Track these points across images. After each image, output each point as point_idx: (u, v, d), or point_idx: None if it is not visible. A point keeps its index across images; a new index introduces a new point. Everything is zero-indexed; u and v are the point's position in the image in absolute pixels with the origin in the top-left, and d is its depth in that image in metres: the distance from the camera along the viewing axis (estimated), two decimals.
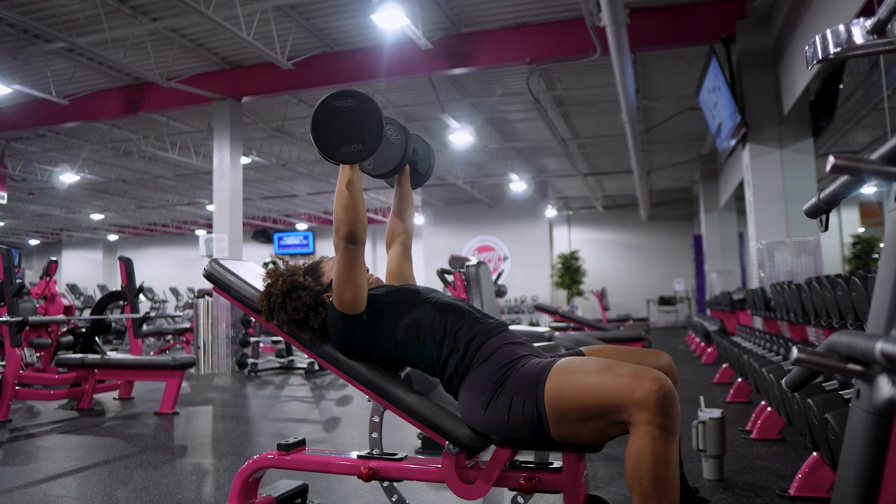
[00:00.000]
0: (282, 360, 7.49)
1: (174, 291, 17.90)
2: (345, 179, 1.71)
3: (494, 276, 11.42)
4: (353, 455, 1.88)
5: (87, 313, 10.65)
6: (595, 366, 1.49)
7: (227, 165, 8.50)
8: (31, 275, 22.65)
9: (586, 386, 1.45)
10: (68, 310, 6.12)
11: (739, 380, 4.58)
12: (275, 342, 8.25)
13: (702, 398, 2.91)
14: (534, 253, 16.96)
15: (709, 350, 7.53)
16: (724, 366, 5.69)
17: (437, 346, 1.71)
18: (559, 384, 1.50)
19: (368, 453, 1.88)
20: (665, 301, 17.41)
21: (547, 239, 17.29)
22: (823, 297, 2.95)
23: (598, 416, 1.44)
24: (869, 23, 1.00)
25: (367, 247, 21.91)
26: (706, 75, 6.97)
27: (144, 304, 16.81)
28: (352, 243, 1.70)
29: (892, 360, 0.83)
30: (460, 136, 9.97)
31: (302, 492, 2.20)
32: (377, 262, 18.71)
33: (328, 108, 1.67)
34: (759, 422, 3.41)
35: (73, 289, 16.28)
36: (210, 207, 15.81)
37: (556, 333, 5.53)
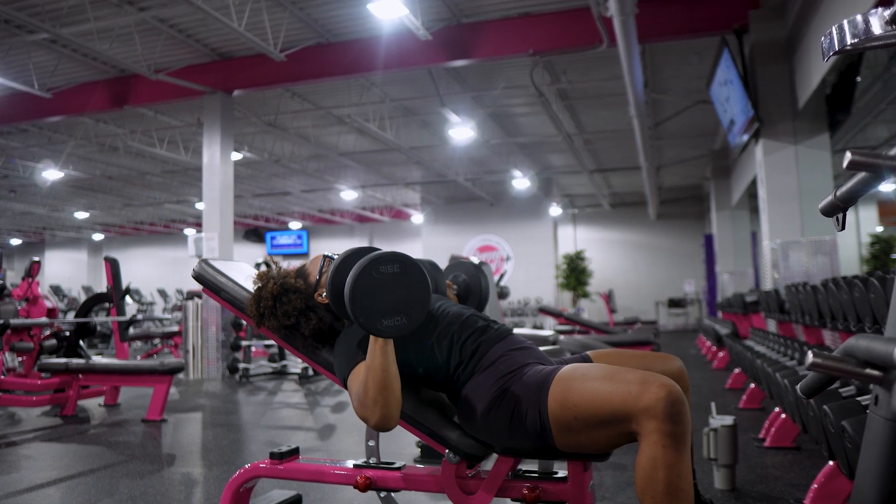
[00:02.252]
0: (274, 364, 7.49)
1: (162, 293, 17.91)
2: (381, 351, 1.56)
3: (497, 277, 11.42)
4: (350, 464, 1.89)
5: (71, 316, 10.65)
6: (600, 372, 1.49)
7: (218, 161, 8.50)
8: (12, 276, 22.66)
9: (592, 394, 1.45)
10: (51, 312, 6.13)
11: (752, 385, 4.58)
12: (267, 346, 8.25)
13: (713, 405, 2.91)
14: (538, 253, 16.97)
15: (720, 354, 7.53)
16: (737, 371, 5.69)
17: (439, 352, 1.72)
18: (563, 392, 1.50)
19: (365, 462, 1.88)
20: (675, 303, 17.40)
21: (551, 238, 17.30)
22: (840, 299, 2.95)
23: (604, 424, 1.44)
24: (888, 13, 1.00)
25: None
26: (718, 67, 6.97)
27: (131, 306, 16.79)
28: (384, 430, 1.61)
29: None
30: (461, 131, 9.97)
31: (296, 502, 2.21)
32: None
33: (371, 274, 1.54)
34: (772, 429, 3.41)
35: (56, 290, 16.29)
36: (199, 205, 15.80)
37: (561, 337, 5.54)
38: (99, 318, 7.01)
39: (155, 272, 22.07)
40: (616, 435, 1.45)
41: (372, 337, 1.57)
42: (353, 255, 1.75)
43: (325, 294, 1.84)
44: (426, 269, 1.82)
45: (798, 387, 1.41)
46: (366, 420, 1.59)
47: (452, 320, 1.75)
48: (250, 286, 1.98)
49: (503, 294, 7.21)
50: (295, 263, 2.03)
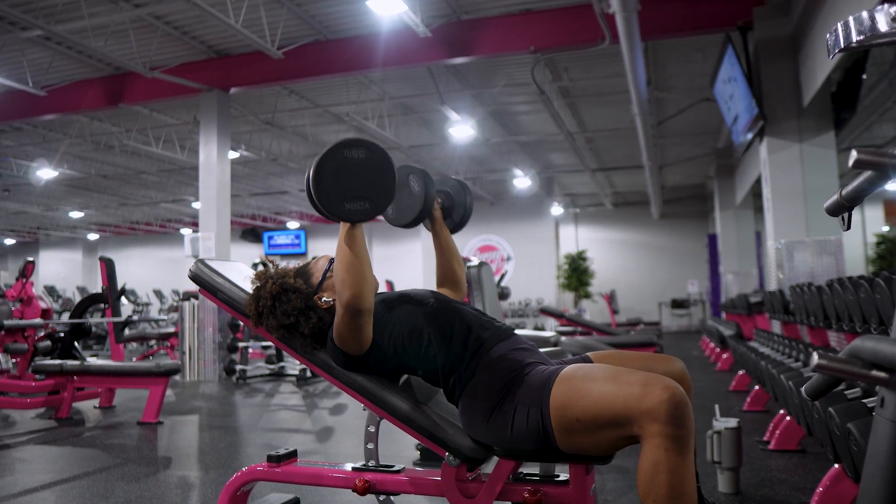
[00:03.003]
0: (272, 366, 7.49)
1: (158, 294, 17.91)
2: (348, 236, 1.62)
3: (497, 278, 11.43)
4: (348, 467, 1.88)
5: (65, 317, 10.65)
6: (603, 373, 1.49)
7: (214, 160, 8.50)
8: (6, 276, 22.67)
9: (594, 395, 1.45)
10: (46, 313, 6.13)
11: (757, 387, 4.58)
12: (265, 347, 8.25)
13: (717, 407, 2.91)
14: (539, 253, 16.96)
15: (724, 356, 7.54)
16: (741, 373, 5.69)
17: (438, 353, 1.71)
18: (565, 394, 1.50)
19: (364, 465, 1.88)
20: (678, 304, 17.40)
21: (553, 238, 17.30)
22: (846, 300, 2.95)
23: (606, 427, 1.44)
24: (894, 9, 1.00)
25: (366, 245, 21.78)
26: (721, 65, 6.97)
27: (126, 307, 16.78)
28: (357, 312, 1.64)
29: None
30: (461, 130, 9.97)
31: None
32: (374, 263, 18.71)
33: (336, 157, 1.57)
34: (777, 432, 3.41)
35: (50, 291, 16.28)
36: (196, 205, 15.80)
37: (563, 338, 5.54)
38: (94, 319, 7.01)
39: (151, 272, 22.06)
40: (618, 437, 1.45)
41: (342, 224, 1.62)
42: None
43: (325, 298, 1.85)
44: (417, 172, 1.87)
45: (803, 389, 1.41)
46: (340, 303, 1.63)
47: (453, 318, 1.75)
48: (248, 287, 1.97)
49: (504, 295, 7.21)
50: (293, 264, 2.02)
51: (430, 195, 1.94)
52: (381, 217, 1.87)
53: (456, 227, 2.15)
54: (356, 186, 1.57)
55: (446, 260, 2.08)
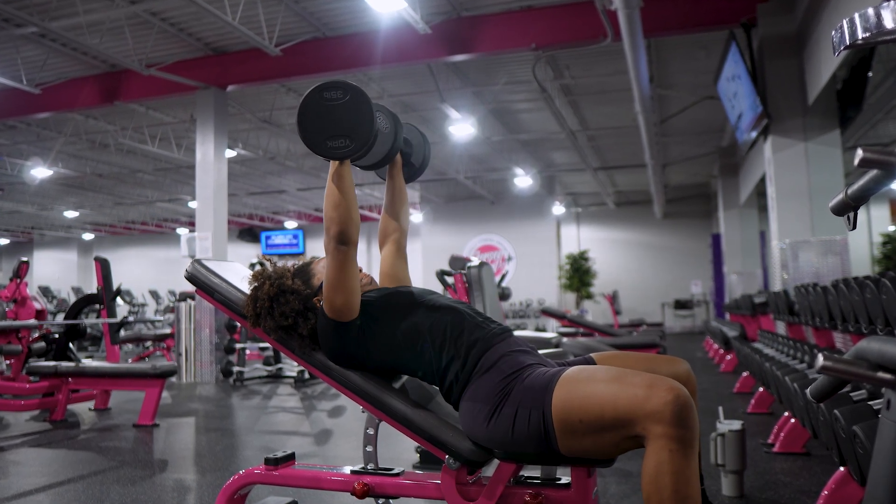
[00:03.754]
0: (270, 368, 7.49)
1: (154, 294, 17.90)
2: (334, 175, 1.73)
3: (498, 278, 11.42)
4: (347, 470, 1.88)
5: (60, 318, 10.64)
6: (606, 375, 1.49)
7: (211, 159, 8.50)
8: (0, 277, 22.66)
9: (597, 397, 1.45)
10: (40, 314, 6.13)
11: (761, 389, 4.58)
12: (262, 349, 8.25)
13: (720, 409, 2.91)
14: (540, 253, 16.96)
15: (728, 357, 7.54)
16: (745, 374, 5.69)
17: (437, 354, 1.71)
18: (567, 395, 1.50)
19: (363, 468, 1.88)
20: (681, 304, 17.41)
21: (554, 238, 17.30)
22: (851, 301, 2.95)
23: (609, 429, 1.44)
24: None
25: (361, 246, 21.86)
26: (725, 62, 6.97)
27: (122, 307, 16.79)
28: (343, 244, 1.71)
29: None
30: (461, 128, 9.97)
31: None
32: (371, 263, 18.73)
33: (316, 99, 1.69)
34: (781, 434, 3.41)
35: (45, 291, 16.28)
36: (192, 204, 15.80)
37: (565, 340, 5.53)
38: (89, 320, 7.01)
39: (147, 273, 22.07)
40: (621, 439, 1.45)
41: (331, 163, 1.73)
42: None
43: (322, 303, 1.85)
44: (384, 112, 1.93)
45: (808, 391, 1.41)
46: (328, 239, 1.72)
47: (451, 318, 1.75)
48: (245, 287, 1.98)
49: (505, 295, 7.20)
50: (290, 263, 2.02)
51: (399, 135, 2.00)
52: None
53: (414, 174, 2.19)
54: (337, 126, 1.68)
55: (395, 206, 2.12)
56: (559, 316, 9.47)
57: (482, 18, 7.28)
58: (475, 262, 3.79)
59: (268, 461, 1.94)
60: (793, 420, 3.36)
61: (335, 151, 1.70)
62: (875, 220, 16.07)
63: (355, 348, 1.78)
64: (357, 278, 1.76)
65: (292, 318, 1.82)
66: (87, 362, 5.08)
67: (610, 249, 18.82)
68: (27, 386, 4.85)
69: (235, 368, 7.26)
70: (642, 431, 1.38)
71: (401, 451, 3.57)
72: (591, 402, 1.46)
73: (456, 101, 9.55)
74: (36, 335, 5.65)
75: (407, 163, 2.17)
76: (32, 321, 5.56)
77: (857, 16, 1.03)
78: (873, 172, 1.19)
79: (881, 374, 1.01)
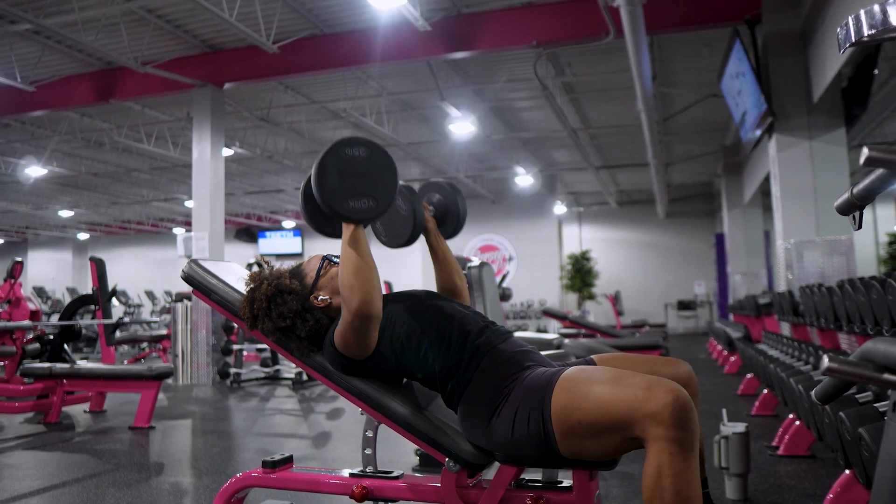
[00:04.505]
0: (267, 369, 7.49)
1: (150, 295, 17.90)
2: (350, 240, 1.62)
3: (499, 279, 11.41)
4: (345, 473, 1.89)
5: (55, 319, 10.65)
6: (605, 376, 1.49)
7: (208, 158, 8.50)
8: None
9: (596, 398, 1.46)
10: (35, 315, 6.13)
11: (765, 391, 4.58)
12: (259, 350, 8.25)
13: (724, 411, 2.91)
14: (541, 253, 16.96)
15: (732, 359, 7.54)
16: (749, 376, 5.69)
17: (437, 356, 1.72)
18: (566, 396, 1.50)
19: (361, 471, 1.88)
20: (684, 305, 17.41)
21: (556, 238, 17.30)
22: (857, 301, 2.95)
23: (609, 430, 1.44)
24: None
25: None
26: (729, 60, 6.97)
27: (117, 308, 16.79)
28: (367, 319, 1.63)
29: None
30: (461, 126, 9.97)
31: None
32: None
33: (337, 155, 1.59)
34: (786, 437, 3.41)
35: (39, 292, 16.28)
36: (189, 203, 15.79)
37: (566, 341, 5.53)
38: (84, 321, 7.01)
39: (142, 273, 22.06)
40: (622, 441, 1.45)
41: (344, 226, 1.62)
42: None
43: (321, 297, 1.85)
44: (400, 190, 1.85)
45: (813, 392, 1.41)
46: (347, 312, 1.62)
47: (451, 320, 1.75)
48: (242, 288, 1.98)
49: (505, 296, 7.21)
50: (288, 264, 2.03)
51: (419, 212, 1.91)
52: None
53: (451, 234, 2.11)
54: (359, 185, 1.58)
55: (445, 273, 2.04)
56: (561, 317, 9.48)
57: (482, 15, 7.28)
58: (475, 262, 3.78)
59: (265, 464, 1.94)
60: (797, 422, 3.36)
61: (358, 213, 1.59)
62: (881, 220, 16.06)
63: (363, 360, 1.78)
64: (376, 335, 1.70)
65: (290, 319, 1.82)
66: (83, 364, 5.08)
67: (612, 249, 18.82)
68: (21, 388, 4.86)
69: (232, 370, 7.26)
70: (642, 434, 1.39)
71: (400, 453, 3.57)
72: (590, 403, 1.46)
73: (456, 98, 9.55)
74: (30, 336, 5.65)
75: (442, 223, 2.08)
76: (27, 322, 5.56)
77: (862, 13, 1.03)
78: (879, 171, 1.19)
79: (887, 376, 1.01)
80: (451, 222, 2.09)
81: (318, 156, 1.61)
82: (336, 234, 1.75)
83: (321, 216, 1.76)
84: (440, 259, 2.04)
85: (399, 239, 1.96)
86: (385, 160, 1.62)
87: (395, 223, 1.94)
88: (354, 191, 1.58)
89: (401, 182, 1.85)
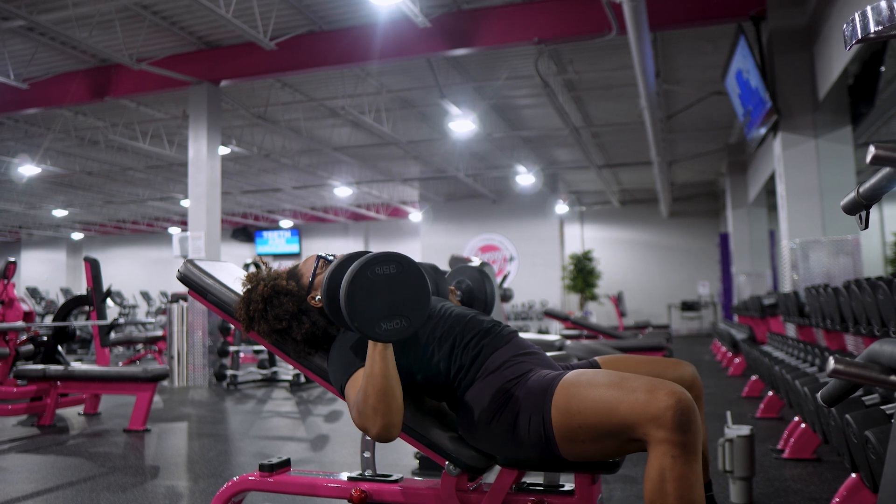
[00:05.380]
0: (264, 371, 7.49)
1: (145, 296, 17.90)
2: (379, 356, 1.57)
3: (499, 279, 11.43)
4: (344, 476, 1.89)
5: (48, 320, 10.64)
6: (607, 379, 1.49)
7: (204, 156, 8.50)
8: None
9: (597, 401, 1.46)
10: (28, 316, 6.12)
11: (770, 393, 4.58)
12: (256, 352, 8.25)
13: (729, 414, 2.91)
14: (543, 253, 16.95)
15: (736, 360, 7.54)
16: (754, 378, 5.69)
17: (438, 357, 1.72)
18: (567, 400, 1.50)
19: (360, 474, 1.88)
20: (688, 306, 17.40)
21: (557, 238, 17.29)
22: (863, 302, 2.95)
23: (610, 434, 1.45)
24: None
25: (361, 247, 21.96)
26: (734, 57, 6.97)
27: (112, 309, 16.79)
28: (386, 440, 1.61)
29: None
30: (462, 124, 9.97)
31: None
32: None
33: (367, 275, 1.55)
34: (791, 440, 3.41)
35: (33, 293, 16.28)
36: (185, 203, 15.81)
37: (568, 342, 5.53)
38: (78, 322, 7.01)
39: (138, 273, 22.07)
40: (624, 444, 1.45)
41: (370, 342, 1.57)
42: (348, 259, 1.75)
43: (318, 297, 1.84)
44: (427, 271, 1.83)
45: (819, 395, 1.41)
46: (366, 431, 1.59)
47: (455, 323, 1.75)
48: (239, 288, 1.98)
49: (506, 297, 7.22)
50: (286, 264, 2.03)
51: (443, 293, 1.95)
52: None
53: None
54: (390, 305, 1.54)
55: None
56: (562, 318, 9.48)
57: (483, 11, 7.28)
58: (476, 262, 3.78)
59: (262, 467, 1.94)
60: (803, 425, 3.36)
61: (389, 334, 1.54)
62: (888, 220, 16.06)
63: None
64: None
65: (286, 321, 1.82)
66: (77, 365, 5.07)
67: (615, 249, 18.82)
68: (14, 390, 4.85)
69: (229, 372, 7.26)
70: (644, 437, 1.39)
71: (399, 456, 3.57)
72: (591, 406, 1.46)
73: (456, 96, 9.55)
74: (24, 338, 5.65)
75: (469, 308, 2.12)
76: (20, 323, 5.55)
77: (869, 9, 1.03)
78: (886, 170, 1.19)
79: (894, 378, 1.01)
80: (477, 307, 2.14)
81: (346, 277, 1.54)
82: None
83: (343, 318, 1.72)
84: None
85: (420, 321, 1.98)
86: (416, 275, 1.58)
87: None
88: (385, 312, 1.54)
89: (427, 264, 1.86)
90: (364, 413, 1.57)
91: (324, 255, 1.91)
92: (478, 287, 2.13)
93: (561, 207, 17.21)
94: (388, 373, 1.56)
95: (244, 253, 20.83)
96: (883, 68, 6.18)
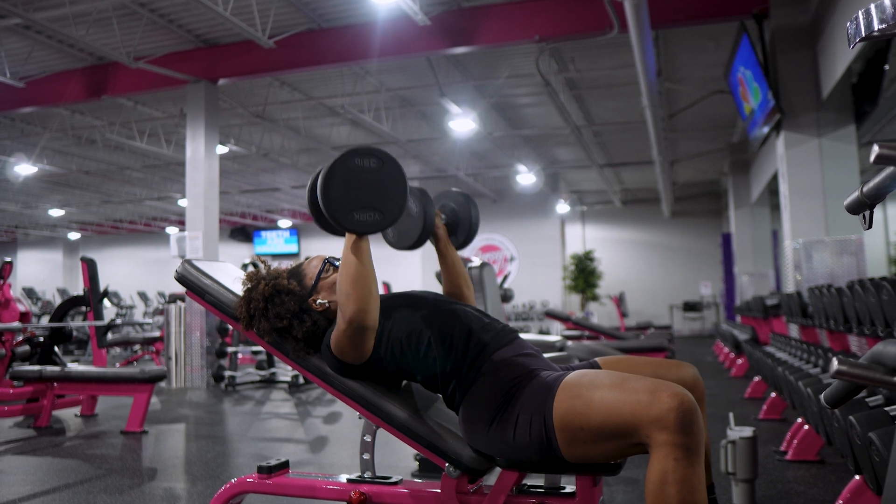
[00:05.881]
0: (263, 372, 7.49)
1: (142, 296, 17.91)
2: (353, 248, 1.63)
3: (500, 279, 11.42)
4: (343, 478, 1.89)
5: (45, 320, 10.64)
6: (609, 380, 1.49)
7: (202, 155, 8.50)
8: None
9: (599, 403, 1.46)
10: (24, 316, 6.12)
11: (773, 395, 4.58)
12: (255, 353, 8.25)
13: (731, 415, 2.91)
14: (544, 253, 16.96)
15: (739, 361, 7.54)
16: (757, 379, 5.69)
17: (438, 357, 1.72)
18: (569, 401, 1.50)
19: (359, 476, 1.88)
20: (690, 307, 17.41)
21: (558, 237, 17.30)
22: (867, 303, 2.95)
23: (612, 436, 1.45)
24: None
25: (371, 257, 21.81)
26: (736, 55, 6.97)
27: (109, 310, 16.79)
28: (361, 329, 1.65)
29: None
30: (462, 123, 9.97)
31: None
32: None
33: (346, 165, 1.58)
34: (794, 441, 3.41)
35: (29, 293, 16.28)
36: (182, 202, 15.81)
37: (569, 343, 5.54)
38: (75, 323, 7.01)
39: (135, 273, 22.07)
40: (626, 446, 1.45)
41: (347, 235, 1.64)
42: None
43: (320, 301, 1.85)
44: (414, 193, 1.87)
45: (822, 396, 1.41)
46: (343, 320, 1.63)
47: (450, 319, 1.75)
48: (237, 288, 1.98)
49: (507, 297, 7.22)
50: (284, 264, 2.03)
51: (430, 215, 1.94)
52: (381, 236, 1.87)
53: (462, 244, 2.15)
54: (366, 196, 1.58)
55: (453, 281, 2.07)
56: (563, 318, 9.48)
57: (483, 9, 7.28)
58: (476, 262, 3.79)
59: (261, 469, 1.94)
60: (806, 426, 3.36)
61: (362, 225, 1.60)
62: (892, 219, 16.05)
63: (361, 363, 1.78)
64: (372, 342, 1.71)
65: (287, 320, 1.83)
66: (73, 367, 5.07)
67: (616, 249, 18.82)
68: (10, 391, 4.85)
69: (227, 373, 7.26)
70: (646, 439, 1.39)
71: (399, 458, 3.57)
72: (592, 409, 1.46)
73: (456, 95, 9.55)
74: (20, 338, 5.65)
75: (453, 233, 2.12)
76: (16, 324, 5.55)
77: (873, 6, 1.03)
78: (890, 169, 1.19)
79: None
80: (462, 232, 2.13)
81: (326, 164, 1.60)
82: (342, 233, 1.75)
83: (325, 220, 1.77)
84: (449, 267, 2.07)
85: (406, 241, 1.98)
86: (396, 172, 1.62)
87: (405, 223, 1.96)
88: (360, 203, 1.58)
89: (415, 185, 1.87)
90: (339, 301, 1.64)
91: (331, 258, 1.91)
92: (462, 211, 2.13)
93: (562, 207, 17.21)
94: (363, 261, 1.62)
95: (242, 253, 20.83)
96: (887, 66, 6.18)
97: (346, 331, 1.66)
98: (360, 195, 1.58)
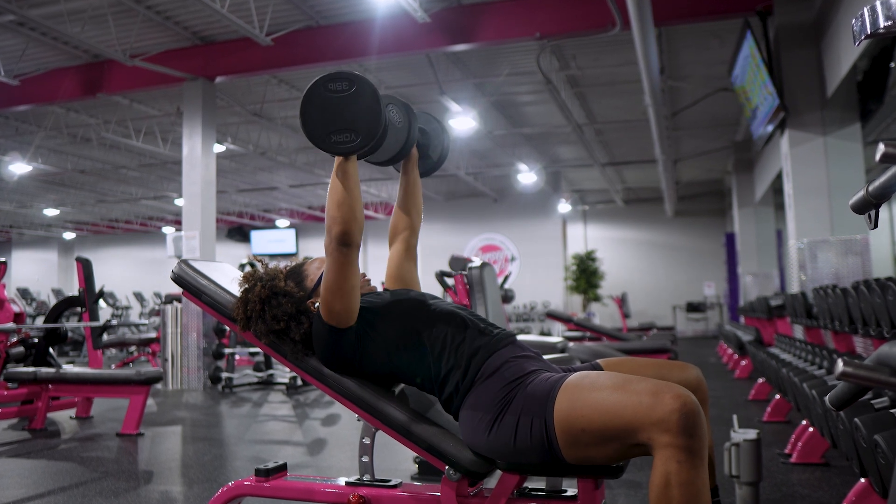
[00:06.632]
0: (260, 374, 7.49)
1: (138, 297, 17.91)
2: (338, 171, 1.71)
3: (501, 280, 11.42)
4: (341, 481, 1.89)
5: (40, 321, 10.64)
6: (611, 382, 1.49)
7: (199, 154, 8.50)
8: None
9: (600, 405, 1.46)
10: (19, 317, 6.11)
11: (777, 396, 4.59)
12: (252, 354, 8.25)
13: (735, 417, 2.91)
14: (545, 253, 16.96)
15: (743, 363, 7.54)
16: (761, 381, 5.69)
17: (436, 360, 1.72)
18: (570, 403, 1.50)
19: (358, 479, 1.88)
20: (693, 307, 17.41)
21: (560, 237, 17.30)
22: (872, 303, 2.95)
23: (614, 438, 1.45)
24: None
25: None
26: (740, 52, 6.97)
27: (105, 310, 16.79)
28: (344, 245, 1.70)
29: None
30: (462, 121, 9.97)
31: None
32: (368, 263, 18.71)
33: (319, 91, 1.67)
34: (799, 444, 3.41)
35: (24, 293, 16.29)
36: (179, 202, 15.80)
37: (571, 344, 5.54)
38: (70, 324, 7.00)
39: (131, 274, 22.06)
40: (628, 448, 1.45)
41: (335, 159, 1.71)
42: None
43: (318, 305, 1.85)
44: (397, 104, 1.91)
45: (827, 398, 1.41)
46: (329, 241, 1.70)
47: (447, 320, 1.75)
48: (234, 289, 1.98)
49: (508, 298, 7.21)
50: (283, 264, 2.03)
51: (414, 128, 1.98)
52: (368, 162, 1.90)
53: (432, 167, 2.17)
54: (341, 119, 1.66)
55: (409, 202, 2.13)
56: (565, 319, 9.47)
57: (484, 6, 7.28)
58: (476, 262, 3.78)
59: (258, 472, 1.94)
60: (811, 429, 3.36)
61: (339, 146, 1.68)
62: None
63: (351, 354, 1.79)
64: (358, 283, 1.75)
65: (284, 322, 1.83)
66: (69, 368, 5.07)
67: (618, 249, 18.82)
68: (5, 393, 4.85)
69: (224, 374, 7.26)
70: (648, 441, 1.39)
71: (398, 461, 3.57)
72: (594, 411, 1.46)
73: (456, 93, 9.55)
74: (14, 339, 5.64)
75: (424, 155, 2.15)
76: (10, 325, 5.55)
77: (878, 3, 1.03)
78: (895, 168, 1.19)
79: None
80: (433, 155, 2.16)
81: (303, 94, 1.69)
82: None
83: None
84: (407, 191, 2.12)
85: (386, 153, 1.99)
86: (367, 91, 1.67)
87: (390, 137, 1.97)
88: (336, 125, 1.67)
89: (398, 98, 1.95)
90: (326, 225, 1.71)
91: None
92: (435, 134, 2.15)
93: (563, 206, 17.21)
94: (347, 185, 1.69)
95: (240, 253, 20.83)
96: (893, 64, 6.18)
97: (334, 253, 1.70)
98: (336, 118, 1.67)
